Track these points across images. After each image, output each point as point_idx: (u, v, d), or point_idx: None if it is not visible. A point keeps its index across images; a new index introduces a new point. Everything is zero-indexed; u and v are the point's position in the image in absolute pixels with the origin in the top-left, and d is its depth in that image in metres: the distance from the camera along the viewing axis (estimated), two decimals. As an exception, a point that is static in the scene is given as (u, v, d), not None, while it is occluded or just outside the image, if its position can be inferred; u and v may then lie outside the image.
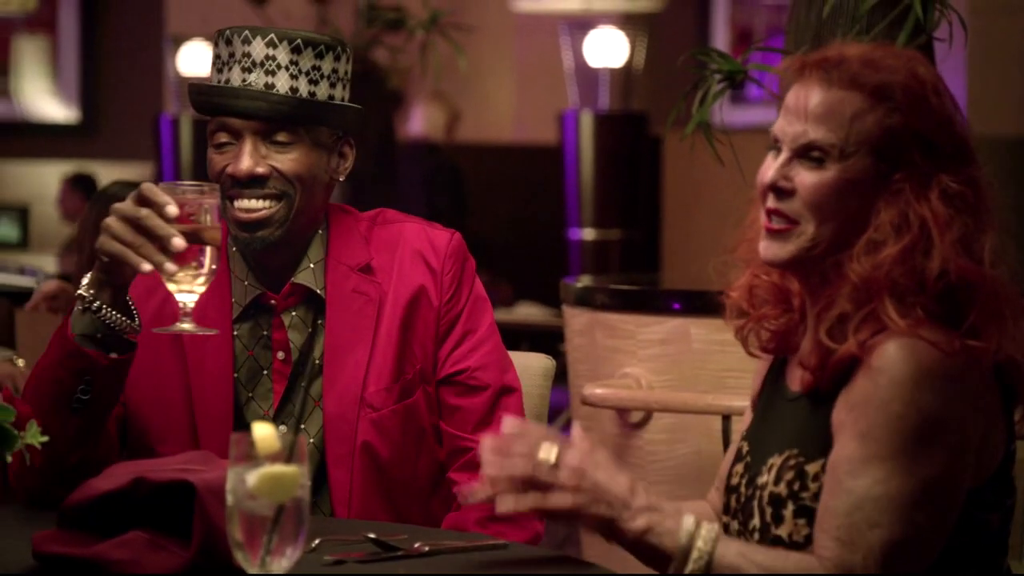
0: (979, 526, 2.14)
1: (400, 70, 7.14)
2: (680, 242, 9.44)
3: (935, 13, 3.57)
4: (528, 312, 8.65)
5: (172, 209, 2.44)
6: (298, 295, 2.75)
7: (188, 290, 2.46)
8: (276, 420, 2.72)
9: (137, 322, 2.57)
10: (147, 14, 11.27)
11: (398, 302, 2.76)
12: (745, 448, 2.28)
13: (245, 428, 2.68)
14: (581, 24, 9.61)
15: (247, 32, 2.68)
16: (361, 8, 6.75)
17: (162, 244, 2.43)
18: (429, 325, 2.77)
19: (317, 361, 2.75)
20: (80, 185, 10.17)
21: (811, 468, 2.14)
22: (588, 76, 9.55)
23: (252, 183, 2.67)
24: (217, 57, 2.72)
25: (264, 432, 1.89)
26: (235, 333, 2.75)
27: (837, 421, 2.11)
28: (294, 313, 2.76)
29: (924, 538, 2.05)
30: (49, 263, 9.27)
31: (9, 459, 2.11)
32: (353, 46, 6.52)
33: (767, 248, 2.21)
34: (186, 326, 2.46)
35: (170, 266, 2.43)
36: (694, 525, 2.09)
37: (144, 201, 2.45)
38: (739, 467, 2.27)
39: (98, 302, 2.53)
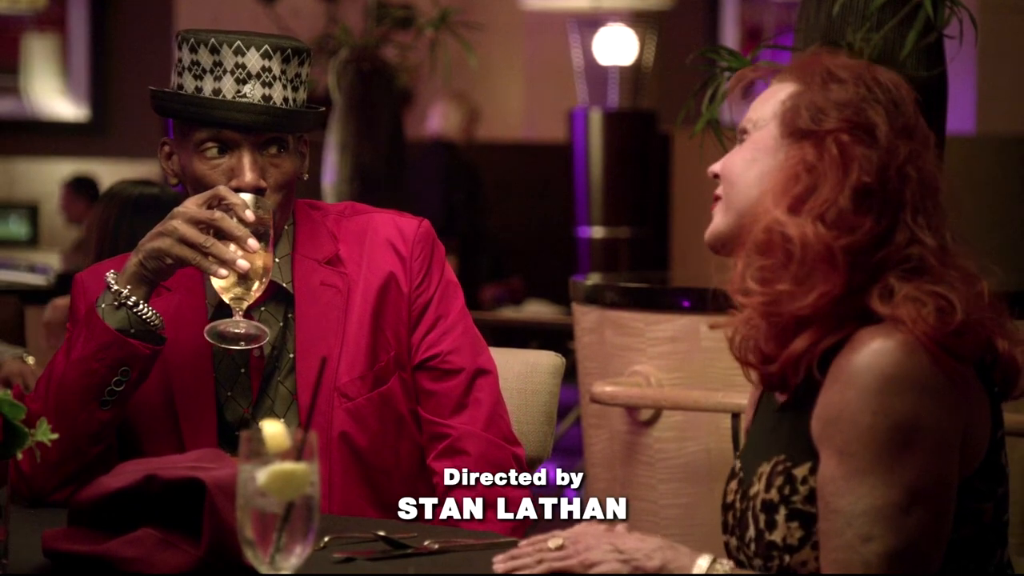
0: (972, 517, 2.14)
1: (409, 68, 7.12)
2: (689, 240, 9.44)
3: (945, 11, 3.57)
4: (537, 310, 8.65)
5: (250, 213, 2.57)
6: (267, 292, 2.75)
7: (241, 296, 2.58)
8: (254, 417, 2.73)
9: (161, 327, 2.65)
10: (157, 12, 11.29)
11: (368, 290, 2.78)
12: (738, 466, 2.30)
13: (227, 427, 2.73)
14: (590, 22, 9.61)
15: (239, 42, 2.68)
16: (370, 6, 6.74)
17: (237, 244, 2.55)
18: (401, 311, 2.79)
19: (291, 355, 2.76)
20: (82, 188, 10.17)
21: (799, 472, 2.15)
22: (597, 74, 9.55)
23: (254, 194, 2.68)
24: (195, 64, 2.70)
25: (274, 430, 1.90)
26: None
27: (815, 433, 2.11)
28: (264, 309, 2.77)
29: (921, 543, 2.05)
30: (58, 261, 9.29)
31: (19, 456, 2.11)
32: (362, 44, 6.57)
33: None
34: (242, 327, 2.59)
35: (244, 263, 2.54)
36: (709, 562, 2.12)
37: (217, 204, 2.57)
38: (733, 484, 2.29)
39: (135, 297, 2.60)
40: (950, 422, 2.08)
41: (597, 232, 8.94)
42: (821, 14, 3.65)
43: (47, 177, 11.12)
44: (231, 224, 2.56)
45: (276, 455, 1.89)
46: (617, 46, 9.52)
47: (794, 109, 2.21)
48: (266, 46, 2.68)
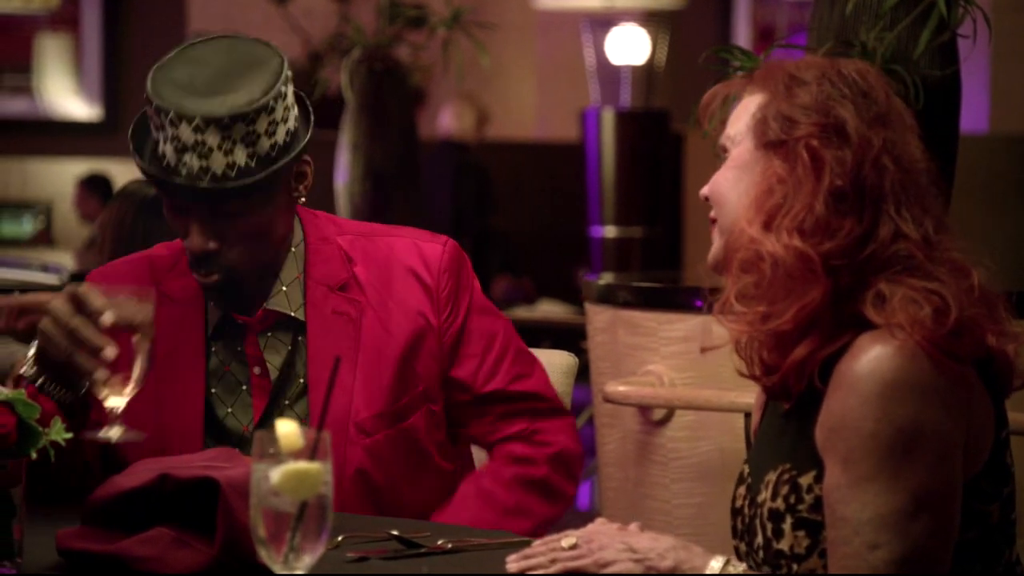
0: (979, 519, 2.13)
1: (422, 68, 7.12)
2: (702, 239, 9.42)
3: (959, 10, 3.56)
4: (549, 309, 8.64)
5: (107, 318, 2.43)
6: (272, 318, 2.72)
7: (117, 395, 2.44)
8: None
9: (83, 391, 2.55)
10: (169, 12, 11.30)
11: (393, 327, 2.71)
12: (746, 471, 2.30)
13: (222, 441, 2.68)
14: (603, 21, 9.60)
15: (173, 114, 2.56)
16: (383, 5, 6.74)
17: (92, 356, 2.43)
18: (431, 345, 2.73)
19: (302, 380, 2.71)
20: (95, 186, 10.19)
21: (804, 480, 2.14)
22: (610, 73, 9.54)
23: (203, 259, 2.64)
24: (155, 114, 2.59)
25: (287, 429, 1.90)
26: (212, 348, 2.73)
27: (819, 442, 2.11)
28: (270, 334, 2.72)
29: (928, 547, 2.05)
30: (71, 260, 9.30)
31: (34, 455, 2.11)
32: (375, 43, 6.57)
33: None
34: (113, 433, 2.43)
35: (102, 374, 2.43)
36: (722, 563, 2.12)
37: (79, 307, 2.45)
38: (742, 489, 2.28)
39: (41, 379, 2.54)
40: (953, 425, 2.07)
41: (609, 231, 8.93)
42: (834, 13, 3.65)
43: (60, 177, 11.13)
44: (88, 333, 2.44)
45: (290, 454, 1.89)
46: (629, 45, 9.51)
47: (763, 121, 2.20)
48: (197, 120, 2.55)
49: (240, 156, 2.57)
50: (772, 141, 2.18)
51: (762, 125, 2.20)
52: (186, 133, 2.55)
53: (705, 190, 2.29)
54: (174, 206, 2.64)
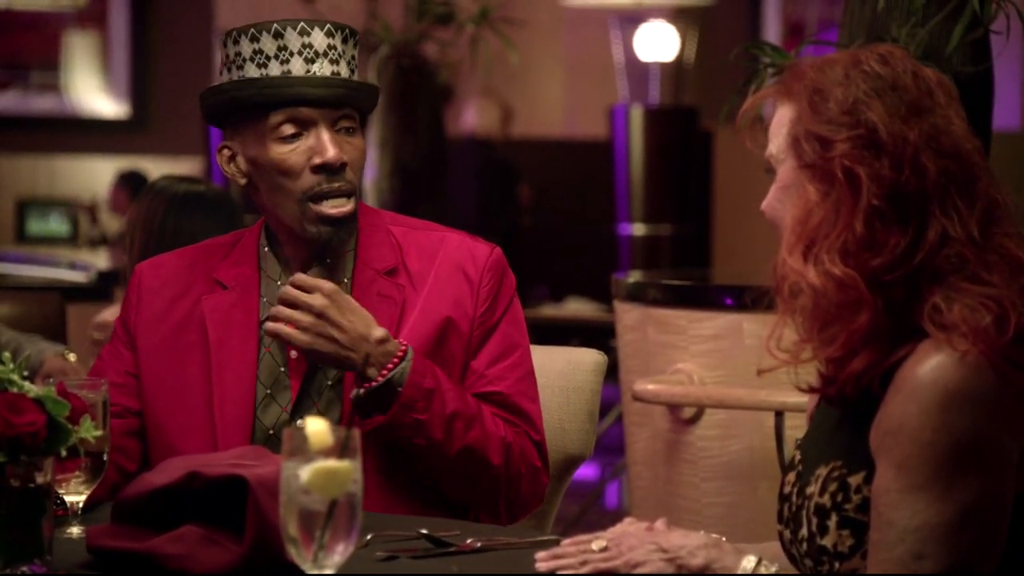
0: None
1: (450, 64, 7.12)
2: (731, 237, 9.40)
3: (992, 6, 3.54)
4: (578, 307, 8.63)
5: None
6: None
7: (76, 492, 2.41)
8: (293, 416, 2.69)
9: None
10: (197, 9, 11.31)
11: (430, 315, 2.74)
12: (797, 457, 2.28)
13: (263, 426, 2.69)
14: (631, 18, 9.60)
15: (303, 24, 2.70)
16: (410, 2, 6.75)
17: None
18: (463, 335, 2.75)
19: None
20: (128, 182, 10.22)
21: (853, 480, 2.12)
22: (638, 70, 9.54)
23: (338, 171, 2.69)
24: (258, 52, 2.70)
25: (317, 427, 1.89)
26: (262, 333, 2.74)
27: (874, 443, 2.09)
28: None
29: (973, 560, 2.03)
30: (99, 258, 9.32)
31: (63, 453, 2.11)
32: (403, 40, 6.57)
33: None
34: (74, 530, 2.40)
35: None
36: (754, 563, 2.10)
37: None
38: (791, 476, 2.26)
39: None
40: (1010, 439, 2.04)
41: (638, 229, 8.92)
42: (866, 9, 3.63)
43: (88, 174, 11.15)
44: None
45: (319, 452, 1.88)
46: (658, 42, 9.50)
47: (797, 143, 2.16)
48: (328, 26, 2.71)
49: (350, 72, 2.75)
50: (810, 164, 2.14)
51: (798, 146, 2.16)
52: (319, 39, 2.71)
53: (764, 206, 2.25)
54: (299, 122, 2.69)
